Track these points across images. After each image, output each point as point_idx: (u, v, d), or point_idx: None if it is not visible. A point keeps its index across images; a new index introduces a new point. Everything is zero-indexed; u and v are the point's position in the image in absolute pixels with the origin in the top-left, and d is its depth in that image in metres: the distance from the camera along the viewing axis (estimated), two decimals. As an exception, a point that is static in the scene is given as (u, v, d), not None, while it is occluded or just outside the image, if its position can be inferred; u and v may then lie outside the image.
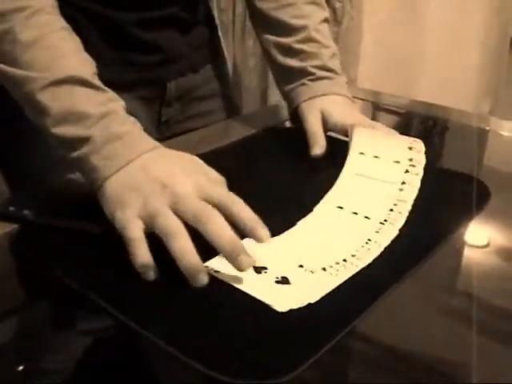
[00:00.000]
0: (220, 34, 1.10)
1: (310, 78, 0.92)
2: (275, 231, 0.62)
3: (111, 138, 0.63)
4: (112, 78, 0.68)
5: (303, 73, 0.92)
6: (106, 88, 0.67)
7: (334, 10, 2.10)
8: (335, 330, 0.52)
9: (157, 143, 0.66)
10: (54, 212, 0.68)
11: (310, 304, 0.54)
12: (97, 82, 0.66)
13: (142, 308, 0.55)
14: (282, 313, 0.53)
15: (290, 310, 0.53)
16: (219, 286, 0.57)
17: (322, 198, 0.73)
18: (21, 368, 0.49)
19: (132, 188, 0.61)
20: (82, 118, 0.63)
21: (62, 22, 0.69)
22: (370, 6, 2.18)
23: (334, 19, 2.11)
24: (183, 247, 0.57)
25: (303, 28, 0.93)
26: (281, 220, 0.66)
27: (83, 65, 0.67)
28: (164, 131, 1.00)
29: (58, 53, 0.66)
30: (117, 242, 0.60)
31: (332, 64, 0.93)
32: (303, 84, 0.92)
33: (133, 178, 0.62)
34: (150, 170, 0.62)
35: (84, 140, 0.63)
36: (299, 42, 0.93)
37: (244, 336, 0.52)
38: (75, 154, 0.64)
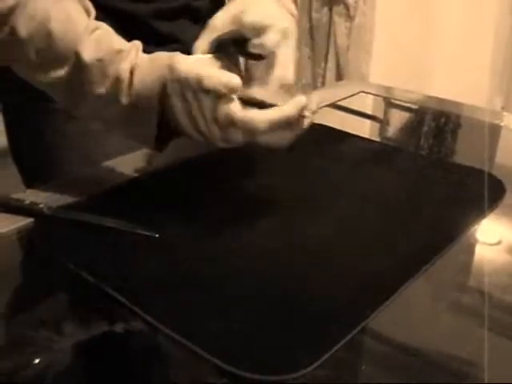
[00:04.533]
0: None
1: None
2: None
3: None
4: None
5: None
6: None
7: (346, 6, 2.10)
8: (348, 327, 0.52)
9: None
10: (68, 206, 0.69)
11: (323, 302, 0.55)
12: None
13: (157, 302, 0.55)
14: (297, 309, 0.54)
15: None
16: (233, 281, 0.58)
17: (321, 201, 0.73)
18: (37, 361, 0.50)
19: None
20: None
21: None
22: (383, 2, 2.17)
23: (347, 15, 2.11)
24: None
25: None
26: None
27: None
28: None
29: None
30: (131, 235, 0.60)
31: None
32: None
33: None
34: None
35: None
36: None
37: (259, 332, 0.52)
38: None
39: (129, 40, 0.89)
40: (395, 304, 0.56)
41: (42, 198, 0.70)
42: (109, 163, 0.80)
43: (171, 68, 0.66)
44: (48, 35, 0.66)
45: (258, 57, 0.72)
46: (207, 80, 0.63)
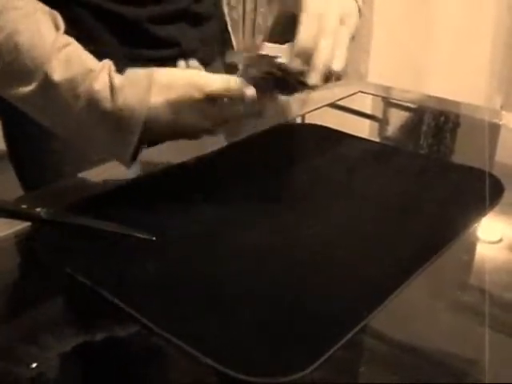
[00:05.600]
0: (230, 30, 1.10)
1: None
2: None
3: None
4: None
5: None
6: None
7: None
8: (347, 326, 0.52)
9: None
10: (65, 210, 0.69)
11: (322, 302, 0.55)
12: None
13: (154, 306, 0.55)
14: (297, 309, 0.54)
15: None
16: (232, 282, 0.57)
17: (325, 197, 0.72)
18: (34, 366, 0.50)
19: None
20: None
21: None
22: (381, 2, 2.17)
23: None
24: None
25: None
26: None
27: None
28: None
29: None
30: (128, 238, 0.60)
31: None
32: None
33: None
34: None
35: None
36: None
37: (256, 334, 0.52)
38: None
39: (127, 44, 0.89)
40: (395, 303, 0.56)
41: (39, 202, 0.69)
42: (105, 167, 0.80)
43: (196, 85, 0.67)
44: (15, 48, 0.65)
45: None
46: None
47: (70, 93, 0.66)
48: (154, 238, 0.63)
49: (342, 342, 0.50)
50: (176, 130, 0.69)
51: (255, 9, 2.13)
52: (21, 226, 0.67)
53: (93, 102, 0.66)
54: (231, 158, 0.84)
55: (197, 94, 0.66)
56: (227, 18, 1.11)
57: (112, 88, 0.66)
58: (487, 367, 0.50)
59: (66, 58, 0.66)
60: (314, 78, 0.67)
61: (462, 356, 0.53)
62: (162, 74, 0.68)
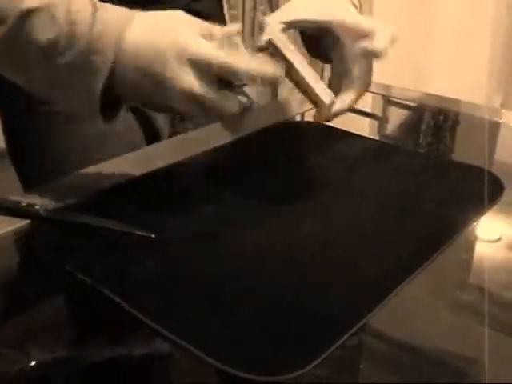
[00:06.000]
0: (230, 28, 1.10)
1: None
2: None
3: None
4: None
5: None
6: None
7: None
8: (347, 325, 0.52)
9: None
10: (65, 208, 0.69)
11: (322, 300, 0.55)
12: None
13: (154, 303, 0.55)
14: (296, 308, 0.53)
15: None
16: (232, 281, 0.57)
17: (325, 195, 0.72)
18: (33, 363, 0.50)
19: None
20: None
21: None
22: (381, 1, 2.17)
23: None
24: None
25: None
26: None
27: None
28: (177, 125, 1.00)
29: None
30: (128, 236, 0.60)
31: None
32: None
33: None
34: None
35: None
36: None
37: (256, 332, 0.52)
38: None
39: None
40: (394, 302, 0.56)
41: (39, 200, 0.69)
42: (105, 165, 0.80)
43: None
44: None
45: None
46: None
47: (47, 16, 0.61)
48: (153, 236, 0.63)
49: (342, 340, 0.50)
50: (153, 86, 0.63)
51: (255, 7, 2.12)
52: (20, 223, 0.67)
53: (71, 23, 0.61)
54: (231, 156, 0.84)
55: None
56: (227, 17, 1.11)
57: (94, 9, 0.62)
58: (487, 366, 0.50)
59: None
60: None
61: (461, 355, 0.53)
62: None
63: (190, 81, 0.62)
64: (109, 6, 0.65)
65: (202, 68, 0.63)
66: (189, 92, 0.63)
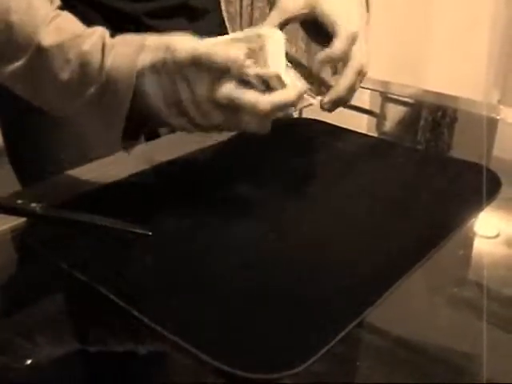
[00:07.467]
0: (227, 24, 1.10)
1: None
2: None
3: None
4: None
5: None
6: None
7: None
8: (345, 322, 0.52)
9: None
10: (61, 206, 0.68)
11: (320, 296, 0.55)
12: None
13: (151, 301, 0.55)
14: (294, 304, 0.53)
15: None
16: (229, 278, 0.57)
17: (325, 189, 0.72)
18: (28, 362, 0.50)
19: None
20: None
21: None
22: (379, -4, 2.17)
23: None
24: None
25: None
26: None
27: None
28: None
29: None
30: (125, 234, 0.59)
31: None
32: None
33: None
34: None
35: None
36: None
37: (254, 330, 0.51)
38: None
39: None
40: (392, 298, 0.55)
41: (35, 198, 0.69)
42: (101, 162, 0.80)
43: (168, 46, 0.62)
44: (7, 28, 0.63)
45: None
46: (214, 56, 0.63)
47: (60, 57, 0.63)
48: (151, 233, 0.63)
49: (339, 337, 0.50)
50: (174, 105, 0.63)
51: (252, 3, 2.12)
52: (17, 221, 0.66)
53: (83, 64, 0.63)
54: (229, 154, 0.84)
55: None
56: (224, 13, 1.11)
57: (103, 48, 0.63)
58: (485, 362, 0.50)
59: (57, 26, 0.64)
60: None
61: (459, 351, 0.53)
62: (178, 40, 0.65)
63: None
64: (118, 39, 0.65)
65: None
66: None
